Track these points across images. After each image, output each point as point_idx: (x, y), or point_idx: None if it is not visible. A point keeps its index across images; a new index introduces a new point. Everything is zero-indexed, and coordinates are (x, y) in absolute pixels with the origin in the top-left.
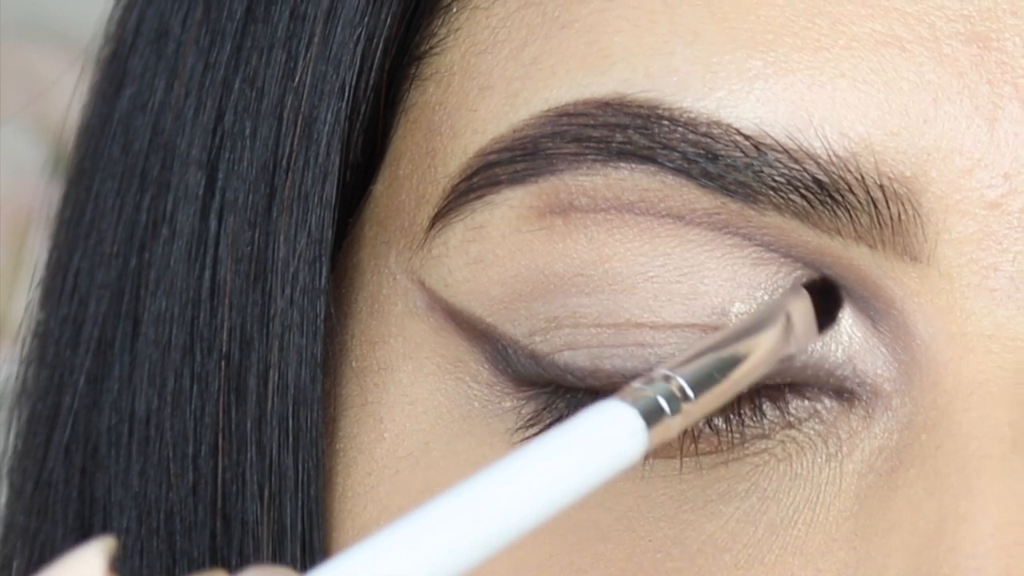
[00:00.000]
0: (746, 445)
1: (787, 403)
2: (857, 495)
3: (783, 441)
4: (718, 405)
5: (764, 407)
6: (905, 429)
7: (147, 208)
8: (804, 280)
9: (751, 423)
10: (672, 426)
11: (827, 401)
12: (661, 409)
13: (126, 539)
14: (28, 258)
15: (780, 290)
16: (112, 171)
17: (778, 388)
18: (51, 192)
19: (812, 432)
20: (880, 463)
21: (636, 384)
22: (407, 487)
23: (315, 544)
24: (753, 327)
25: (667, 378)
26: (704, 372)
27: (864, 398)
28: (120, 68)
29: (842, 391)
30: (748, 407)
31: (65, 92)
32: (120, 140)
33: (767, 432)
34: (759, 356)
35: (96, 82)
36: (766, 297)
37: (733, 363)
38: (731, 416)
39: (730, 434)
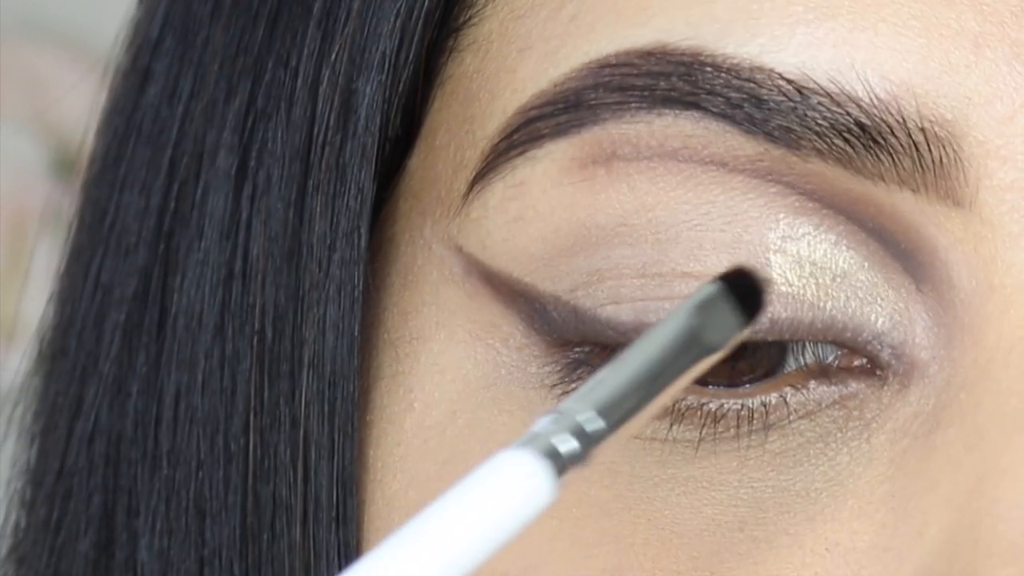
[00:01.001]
0: (741, 438)
1: (810, 391)
2: (891, 460)
3: (786, 435)
4: (640, 426)
5: (786, 395)
6: (943, 392)
7: (176, 196)
8: (719, 273)
9: (745, 411)
10: (586, 459)
11: (854, 384)
12: (570, 449)
13: (153, 524)
14: (28, 258)
15: (820, 241)
16: (138, 165)
17: (802, 375)
18: (51, 192)
19: (828, 421)
20: (915, 427)
21: (538, 426)
22: (433, 457)
23: (348, 515)
24: (666, 333)
25: (574, 412)
26: (616, 398)
27: (900, 371)
28: (144, 65)
29: (875, 369)
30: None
31: (68, 93)
32: (146, 134)
33: (770, 426)
34: (681, 366)
35: (117, 83)
36: (806, 248)
37: (648, 380)
38: (702, 404)
39: (708, 420)
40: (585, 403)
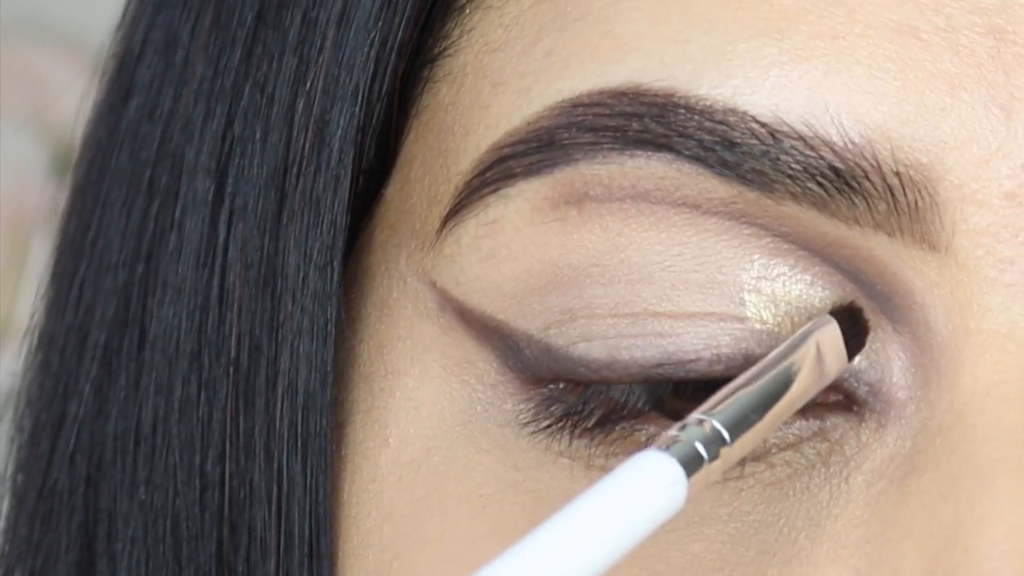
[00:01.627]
0: (730, 470)
1: (789, 425)
2: (867, 503)
3: (772, 465)
4: (755, 445)
5: None
6: (919, 434)
7: (155, 216)
8: (831, 307)
9: None
10: (711, 472)
11: (832, 419)
12: (700, 456)
13: (131, 548)
14: (29, 259)
15: (795, 282)
16: (119, 180)
17: None
18: (51, 192)
19: (812, 453)
20: (892, 470)
21: (672, 431)
22: (408, 494)
23: (322, 551)
24: (784, 361)
25: (702, 422)
26: (740, 413)
27: (877, 409)
28: (127, 78)
29: (852, 405)
30: None
31: (67, 93)
32: (128, 149)
33: (758, 456)
34: (794, 392)
35: (102, 92)
36: (781, 289)
37: (768, 401)
38: None
39: None
40: (719, 415)
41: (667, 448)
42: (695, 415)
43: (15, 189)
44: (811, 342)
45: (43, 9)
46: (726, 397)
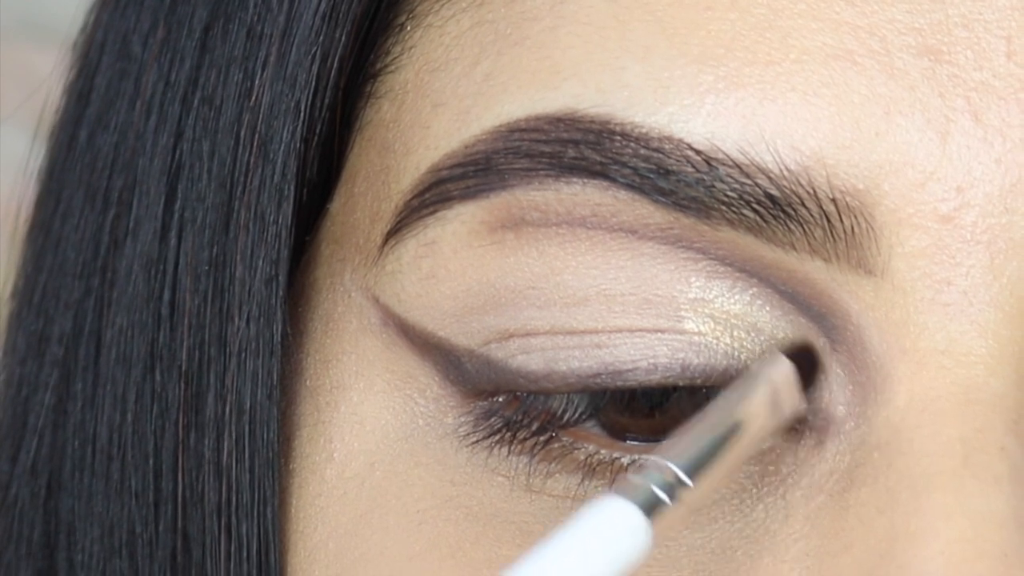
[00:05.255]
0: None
1: None
2: (807, 517)
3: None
4: (716, 487)
5: None
6: (858, 449)
7: (110, 227)
8: (783, 347)
9: None
10: (673, 516)
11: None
12: (660, 500)
13: (89, 559)
14: None
15: (734, 302)
16: (77, 188)
17: None
18: None
19: (742, 476)
20: (831, 484)
21: (632, 477)
22: (351, 510)
23: (271, 565)
24: (741, 402)
25: (661, 467)
26: (699, 456)
27: (817, 426)
28: (87, 85)
29: (792, 423)
30: None
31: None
32: (85, 157)
33: None
34: (752, 432)
35: (62, 99)
36: (719, 308)
37: (725, 442)
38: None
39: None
40: (676, 458)
41: (629, 494)
42: (654, 459)
43: (15, 189)
44: (767, 383)
45: (43, 9)
46: (682, 440)
